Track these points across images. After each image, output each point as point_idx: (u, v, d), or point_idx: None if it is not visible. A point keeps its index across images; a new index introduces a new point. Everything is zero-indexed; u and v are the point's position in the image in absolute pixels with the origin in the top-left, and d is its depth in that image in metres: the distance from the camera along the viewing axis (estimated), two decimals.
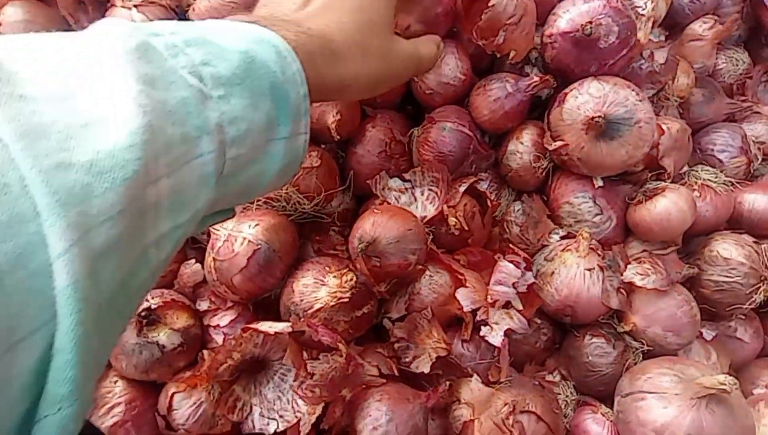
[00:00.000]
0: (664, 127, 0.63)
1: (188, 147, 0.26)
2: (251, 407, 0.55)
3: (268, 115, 0.31)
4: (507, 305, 0.58)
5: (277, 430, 0.53)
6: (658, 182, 0.64)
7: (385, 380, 0.54)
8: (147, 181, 0.23)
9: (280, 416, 0.54)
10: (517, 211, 0.65)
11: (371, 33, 0.42)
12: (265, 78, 0.31)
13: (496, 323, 0.57)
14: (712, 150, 0.71)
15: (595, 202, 0.63)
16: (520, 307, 0.58)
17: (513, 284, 0.57)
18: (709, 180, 0.66)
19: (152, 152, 0.23)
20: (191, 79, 0.27)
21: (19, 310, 0.18)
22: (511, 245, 0.62)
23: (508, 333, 0.56)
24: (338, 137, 0.59)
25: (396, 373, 0.55)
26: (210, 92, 0.28)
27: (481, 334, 0.56)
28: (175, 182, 0.25)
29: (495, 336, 0.56)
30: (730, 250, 0.63)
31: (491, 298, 0.57)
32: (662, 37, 0.71)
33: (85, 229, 0.20)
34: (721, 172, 0.68)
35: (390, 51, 0.44)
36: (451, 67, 0.62)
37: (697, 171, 0.68)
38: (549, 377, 0.63)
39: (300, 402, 0.53)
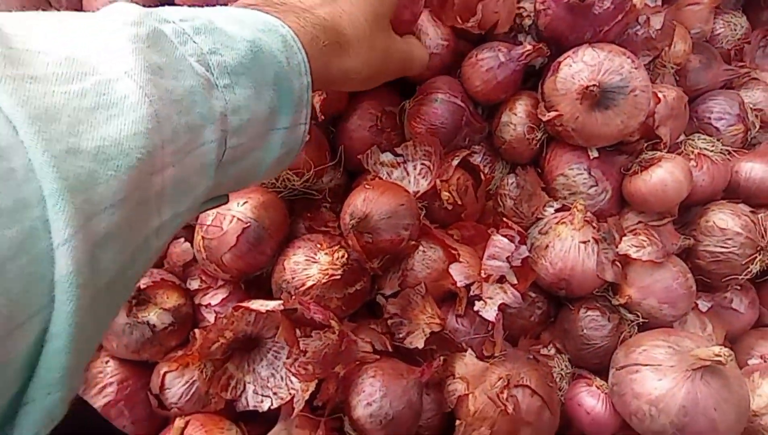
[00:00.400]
0: (660, 95, 0.62)
1: (192, 136, 0.26)
2: (245, 385, 0.55)
3: (270, 106, 0.32)
4: (501, 279, 0.57)
5: (271, 407, 0.53)
6: (654, 152, 0.63)
7: (378, 356, 0.54)
8: (152, 169, 0.23)
9: (274, 393, 0.54)
10: (511, 184, 0.64)
11: (377, 27, 0.43)
12: (269, 68, 0.31)
13: (490, 298, 0.56)
14: (709, 118, 0.70)
15: (590, 173, 0.62)
16: (515, 281, 0.57)
17: (507, 258, 0.57)
18: (705, 149, 0.65)
19: (158, 141, 0.23)
20: (199, 68, 0.27)
21: (20, 295, 0.18)
22: (505, 219, 0.61)
23: (502, 307, 0.56)
24: (323, 117, 0.58)
25: (390, 349, 0.55)
26: (216, 81, 0.28)
27: (475, 308, 0.56)
28: (179, 171, 0.26)
29: (489, 311, 0.56)
30: (726, 220, 0.62)
31: (485, 273, 0.56)
32: (658, 2, 0.68)
33: (88, 215, 0.20)
34: (718, 140, 0.67)
35: (390, 47, 0.45)
36: (431, 36, 0.60)
37: (693, 140, 0.67)
38: (544, 351, 0.62)
39: (293, 379, 0.53)
